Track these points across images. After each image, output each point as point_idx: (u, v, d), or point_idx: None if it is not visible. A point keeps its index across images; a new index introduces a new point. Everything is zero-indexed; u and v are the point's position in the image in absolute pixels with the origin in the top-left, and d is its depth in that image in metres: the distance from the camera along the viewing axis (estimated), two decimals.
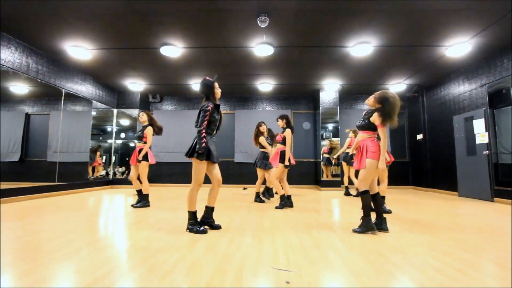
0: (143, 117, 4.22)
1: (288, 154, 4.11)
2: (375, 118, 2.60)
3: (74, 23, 4.11)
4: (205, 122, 2.51)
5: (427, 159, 7.04)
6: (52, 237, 2.38)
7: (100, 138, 7.80)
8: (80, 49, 4.93)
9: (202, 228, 2.57)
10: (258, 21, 3.91)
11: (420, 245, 2.23)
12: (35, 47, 4.95)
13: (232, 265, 1.75)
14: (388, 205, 4.52)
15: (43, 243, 2.20)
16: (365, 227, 2.58)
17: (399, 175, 7.67)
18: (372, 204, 2.67)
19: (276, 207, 4.08)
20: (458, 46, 4.68)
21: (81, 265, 1.73)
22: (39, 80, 5.09)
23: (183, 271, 1.64)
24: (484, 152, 5.16)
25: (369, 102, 2.74)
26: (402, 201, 4.97)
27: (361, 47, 4.77)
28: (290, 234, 2.55)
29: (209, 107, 2.53)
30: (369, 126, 2.68)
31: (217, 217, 3.01)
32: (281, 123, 4.30)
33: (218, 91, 2.68)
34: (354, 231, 2.61)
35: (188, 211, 2.61)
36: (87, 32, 4.38)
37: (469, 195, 5.56)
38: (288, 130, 4.18)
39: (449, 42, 4.62)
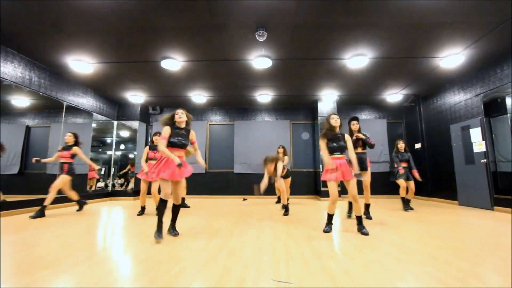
0: (184, 116, 3.07)
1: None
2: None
3: (77, 38, 4.21)
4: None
5: (426, 168, 7.06)
6: (50, 250, 2.37)
7: (100, 150, 7.82)
8: (82, 63, 5.03)
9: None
10: (257, 35, 4.01)
11: (421, 255, 2.23)
12: (38, 61, 5.04)
13: (233, 277, 1.75)
14: (389, 214, 4.52)
15: (41, 257, 2.18)
16: None
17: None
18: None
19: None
20: (452, 58, 4.79)
21: (80, 278, 1.73)
22: (41, 93, 5.16)
23: (184, 284, 1.64)
24: (482, 160, 5.19)
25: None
26: (401, 210, 4.96)
27: (357, 59, 4.88)
28: (290, 245, 2.54)
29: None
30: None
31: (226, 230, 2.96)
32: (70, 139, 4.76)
33: (352, 126, 4.09)
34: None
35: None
36: (89, 46, 4.48)
37: (469, 204, 5.55)
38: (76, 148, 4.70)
39: (442, 54, 4.74)
